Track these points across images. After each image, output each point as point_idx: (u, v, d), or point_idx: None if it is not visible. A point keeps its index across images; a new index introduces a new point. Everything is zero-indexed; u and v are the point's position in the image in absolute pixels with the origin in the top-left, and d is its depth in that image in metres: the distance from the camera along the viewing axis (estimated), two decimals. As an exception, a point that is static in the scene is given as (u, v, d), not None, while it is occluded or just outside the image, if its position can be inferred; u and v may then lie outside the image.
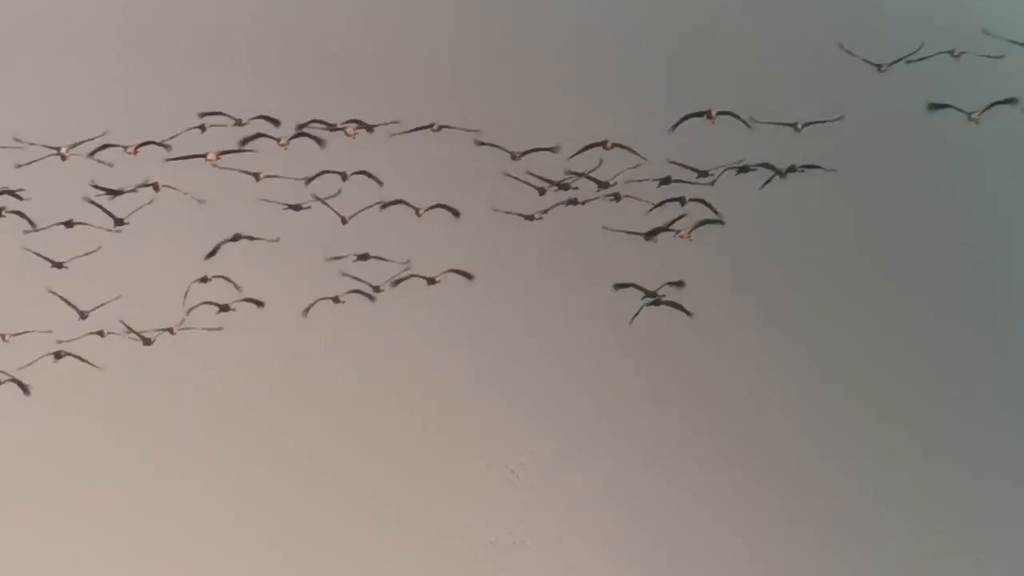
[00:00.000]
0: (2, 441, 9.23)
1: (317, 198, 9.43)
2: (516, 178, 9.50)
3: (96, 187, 9.27)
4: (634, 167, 9.51)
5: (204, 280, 9.38)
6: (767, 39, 9.62)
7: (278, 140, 9.37)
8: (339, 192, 9.45)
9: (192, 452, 9.35)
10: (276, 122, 9.39)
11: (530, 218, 9.52)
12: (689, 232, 9.45)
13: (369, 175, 9.45)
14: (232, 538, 9.33)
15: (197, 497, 9.33)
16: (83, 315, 9.26)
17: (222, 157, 9.32)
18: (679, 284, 9.47)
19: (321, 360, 9.39)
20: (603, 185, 9.53)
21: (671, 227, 9.50)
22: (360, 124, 9.38)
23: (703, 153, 9.50)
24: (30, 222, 9.29)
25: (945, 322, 9.69)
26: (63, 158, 9.27)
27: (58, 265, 9.29)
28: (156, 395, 9.36)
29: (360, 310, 9.47)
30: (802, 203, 9.60)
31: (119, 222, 9.33)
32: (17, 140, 9.23)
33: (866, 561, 9.59)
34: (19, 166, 9.24)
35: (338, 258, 9.43)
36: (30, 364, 9.23)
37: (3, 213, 9.27)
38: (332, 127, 9.40)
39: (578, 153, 9.49)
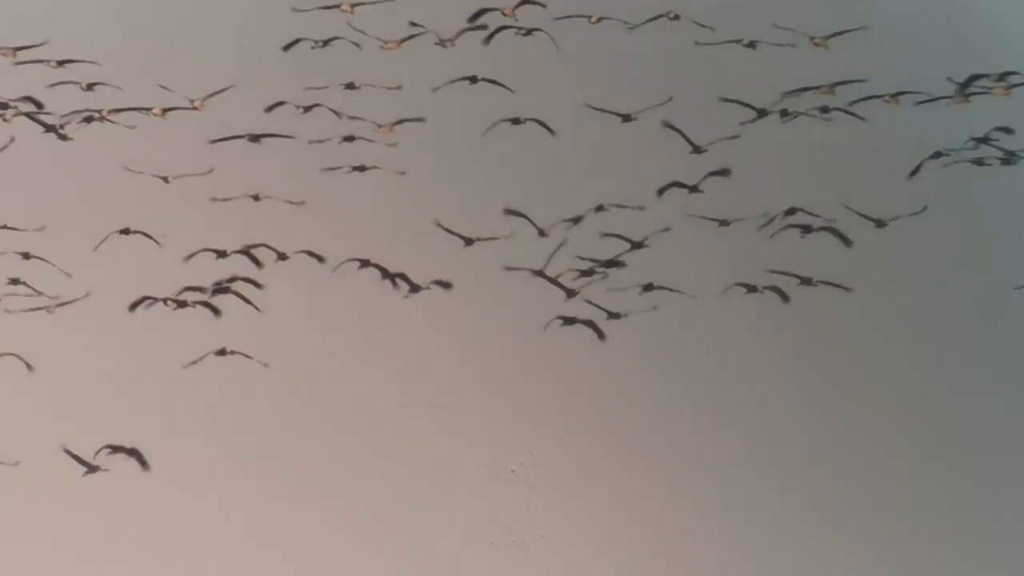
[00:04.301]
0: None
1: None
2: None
3: None
4: None
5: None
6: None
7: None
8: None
9: (190, 452, 9.34)
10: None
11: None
12: None
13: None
14: (230, 537, 9.33)
15: (195, 497, 9.32)
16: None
17: None
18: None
19: (321, 360, 9.39)
20: None
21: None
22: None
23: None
24: None
25: (946, 322, 9.69)
26: None
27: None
28: (148, 390, 9.35)
29: (359, 310, 9.46)
30: (802, 204, 9.60)
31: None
32: None
33: (867, 563, 9.59)
34: None
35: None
36: None
37: None
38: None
39: None
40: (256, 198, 9.37)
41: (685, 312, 9.57)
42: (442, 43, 9.25)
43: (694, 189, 9.43)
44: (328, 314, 9.45)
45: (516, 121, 9.37)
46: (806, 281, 9.51)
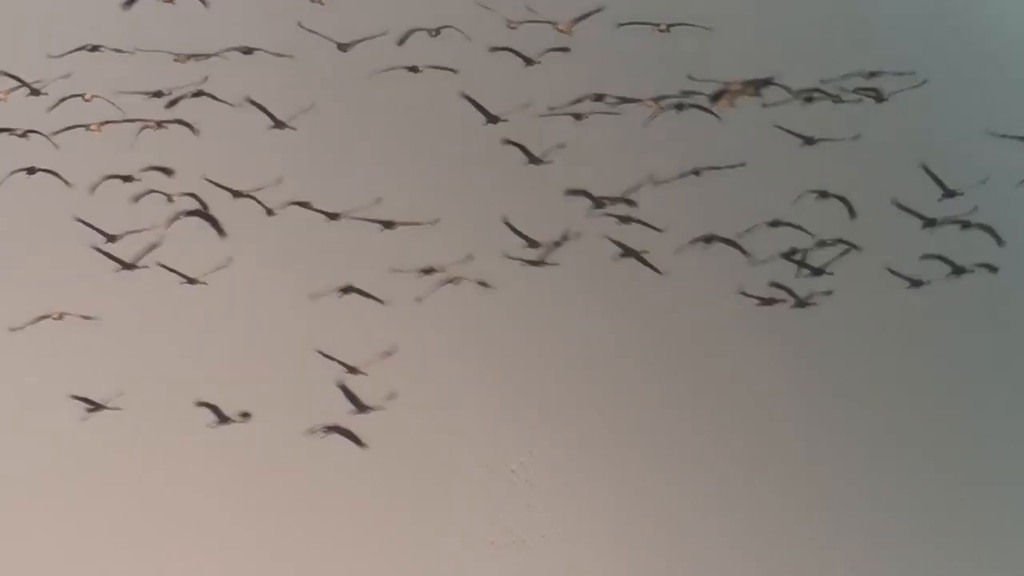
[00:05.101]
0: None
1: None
2: None
3: None
4: None
5: None
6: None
7: None
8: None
9: (187, 452, 9.33)
10: None
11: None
12: None
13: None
14: (229, 538, 9.32)
15: (194, 497, 9.31)
16: None
17: None
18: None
19: (321, 360, 9.37)
20: None
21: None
22: None
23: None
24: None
25: (944, 322, 9.70)
26: None
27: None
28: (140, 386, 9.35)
29: (360, 310, 9.46)
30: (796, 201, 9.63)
31: None
32: None
33: (867, 563, 9.59)
34: None
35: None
36: None
37: None
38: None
39: None
40: None
41: (685, 313, 9.58)
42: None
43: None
44: (329, 311, 9.45)
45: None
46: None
